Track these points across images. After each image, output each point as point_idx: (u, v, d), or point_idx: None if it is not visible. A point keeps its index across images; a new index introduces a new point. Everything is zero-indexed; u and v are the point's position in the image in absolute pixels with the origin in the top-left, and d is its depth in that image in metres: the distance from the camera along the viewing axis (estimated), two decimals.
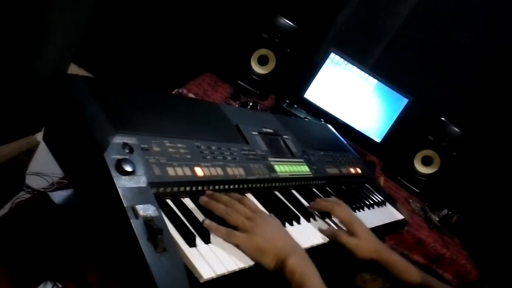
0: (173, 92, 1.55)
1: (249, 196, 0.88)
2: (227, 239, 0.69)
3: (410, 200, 1.87)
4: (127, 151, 0.66)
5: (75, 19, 1.46)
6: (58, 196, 1.52)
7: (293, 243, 0.76)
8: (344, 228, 0.94)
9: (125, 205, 0.59)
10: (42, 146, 1.31)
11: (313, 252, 0.87)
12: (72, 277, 1.21)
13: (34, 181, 1.56)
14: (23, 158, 1.35)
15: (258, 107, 1.70)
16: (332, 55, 1.96)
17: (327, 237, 0.89)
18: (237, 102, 1.69)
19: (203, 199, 0.75)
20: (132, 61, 2.08)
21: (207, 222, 0.69)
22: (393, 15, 2.04)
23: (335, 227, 0.95)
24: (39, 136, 1.21)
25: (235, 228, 0.71)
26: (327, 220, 0.97)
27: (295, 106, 1.93)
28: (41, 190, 1.54)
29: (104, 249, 0.71)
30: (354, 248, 0.89)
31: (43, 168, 1.58)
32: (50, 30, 1.37)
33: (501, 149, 2.00)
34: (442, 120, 1.89)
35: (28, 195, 1.50)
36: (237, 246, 0.69)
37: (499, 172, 1.98)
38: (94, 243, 1.18)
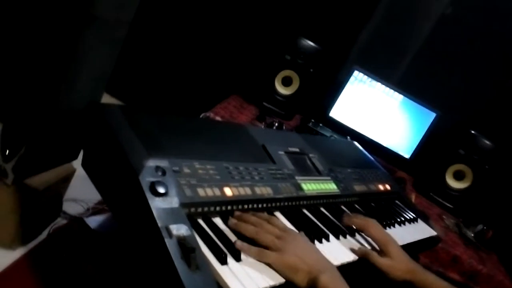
0: (201, 116, 1.59)
1: (278, 214, 0.89)
2: (259, 258, 0.70)
3: (444, 217, 1.82)
4: (160, 173, 0.69)
5: (107, 51, 1.55)
6: (94, 221, 1.57)
7: (324, 260, 0.76)
8: (376, 246, 0.94)
9: (159, 225, 0.62)
10: (78, 173, 1.36)
11: (346, 270, 0.87)
12: None
13: (70, 207, 1.62)
14: (61, 185, 1.41)
15: (284, 127, 1.72)
16: (356, 72, 1.97)
17: (358, 256, 0.89)
18: (263, 123, 1.72)
19: (232, 221, 0.76)
20: (160, 88, 2.16)
21: (239, 243, 0.71)
22: (417, 30, 2.05)
23: (367, 246, 0.95)
24: (76, 163, 1.27)
25: (266, 248, 0.72)
26: (358, 237, 0.96)
27: (321, 125, 1.94)
28: (78, 216, 1.60)
29: (140, 270, 0.73)
30: (387, 269, 0.89)
31: (79, 194, 1.64)
32: (83, 63, 1.45)
33: None
34: (472, 133, 1.85)
35: (65, 221, 1.55)
36: (269, 265, 0.70)
37: None
38: (130, 266, 1.21)
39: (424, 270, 0.94)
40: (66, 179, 1.42)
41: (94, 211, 1.65)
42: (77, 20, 1.33)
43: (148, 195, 0.64)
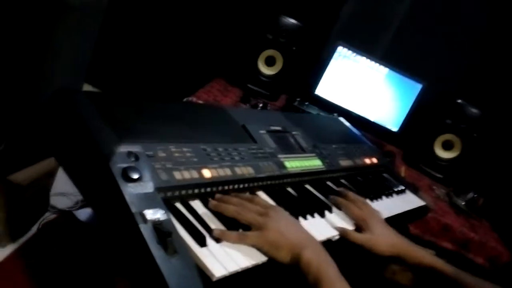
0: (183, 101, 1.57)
1: (261, 194, 0.88)
2: (240, 242, 0.69)
3: (434, 187, 1.83)
4: (132, 159, 0.67)
5: (83, 40, 1.51)
6: (83, 214, 1.56)
7: (307, 236, 0.75)
8: None
9: (132, 210, 0.60)
10: None
11: (337, 245, 0.87)
12: None
13: (59, 201, 1.61)
14: (46, 179, 1.39)
15: (269, 108, 1.70)
16: (340, 48, 1.94)
17: (339, 232, 0.88)
18: (247, 104, 1.70)
19: (212, 202, 0.75)
20: (141, 75, 2.13)
21: (217, 231, 0.68)
22: (397, 2, 2.02)
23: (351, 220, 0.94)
24: None
25: (248, 227, 0.71)
26: (343, 212, 0.96)
27: (307, 103, 1.93)
28: (67, 209, 1.58)
29: (123, 259, 0.72)
30: (367, 244, 0.88)
31: (67, 187, 1.63)
32: (59, 54, 1.42)
33: None
34: (459, 102, 1.85)
35: (54, 215, 1.54)
36: (252, 246, 0.69)
37: None
38: (120, 256, 1.21)
39: (411, 243, 0.93)
40: (51, 173, 1.41)
41: (83, 204, 1.64)
42: (50, 11, 1.30)
43: (120, 181, 0.63)
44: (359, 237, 0.88)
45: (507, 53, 1.96)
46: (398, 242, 0.92)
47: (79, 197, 1.67)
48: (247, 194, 0.82)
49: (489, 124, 1.87)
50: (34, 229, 1.37)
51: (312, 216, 0.88)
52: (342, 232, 0.89)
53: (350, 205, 0.95)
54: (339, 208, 0.96)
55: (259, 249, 0.69)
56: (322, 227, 0.86)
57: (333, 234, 0.86)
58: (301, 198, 0.94)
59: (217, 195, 0.78)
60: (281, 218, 0.75)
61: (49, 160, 1.38)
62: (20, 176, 1.22)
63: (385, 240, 0.90)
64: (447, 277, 0.88)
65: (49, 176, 1.40)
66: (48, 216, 1.50)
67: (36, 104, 1.31)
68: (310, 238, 0.75)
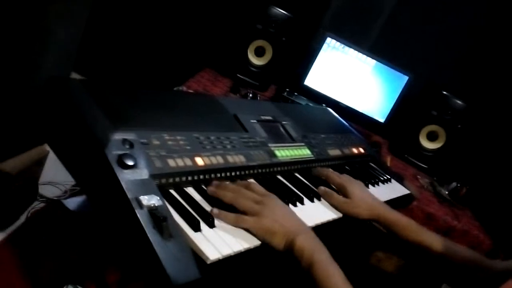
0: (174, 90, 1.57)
1: (252, 181, 0.90)
2: (236, 224, 0.71)
3: (419, 176, 1.87)
4: (127, 146, 0.69)
5: (71, 29, 1.50)
6: (72, 203, 1.56)
7: (301, 223, 0.78)
8: None
9: (129, 197, 0.62)
10: (52, 155, 1.34)
11: (324, 232, 0.89)
12: (92, 278, 1.25)
13: (47, 190, 1.60)
14: (35, 168, 1.39)
15: (258, 98, 1.72)
16: (329, 39, 1.96)
17: (320, 193, 0.94)
18: (237, 95, 1.71)
19: (210, 189, 0.77)
20: (130, 63, 2.12)
21: (215, 210, 0.71)
22: None
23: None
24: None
25: (244, 213, 0.74)
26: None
27: (296, 94, 1.95)
28: (55, 198, 1.58)
29: (117, 246, 0.73)
30: (347, 209, 0.93)
31: (55, 176, 1.62)
32: (48, 41, 1.41)
33: (506, 117, 1.99)
34: (444, 93, 1.89)
35: (42, 204, 1.53)
36: (247, 230, 0.71)
37: (505, 140, 1.98)
38: (111, 244, 1.21)
39: (390, 208, 0.99)
40: (39, 162, 1.40)
41: (72, 192, 1.64)
42: None
43: (116, 168, 0.64)
44: (339, 200, 0.94)
45: (492, 47, 2.00)
46: (375, 205, 0.98)
47: (68, 186, 1.67)
48: (243, 181, 0.83)
49: (473, 116, 1.92)
50: (22, 218, 1.37)
51: (302, 203, 0.90)
52: (325, 193, 0.94)
53: (331, 174, 1.02)
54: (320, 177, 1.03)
55: (254, 234, 0.71)
56: (312, 213, 0.89)
57: (323, 220, 0.89)
58: (291, 186, 0.96)
59: (214, 182, 0.80)
60: (276, 206, 0.77)
61: (38, 149, 1.37)
62: (9, 165, 1.22)
63: (364, 204, 0.96)
64: (420, 240, 0.95)
65: (38, 164, 1.40)
66: (37, 205, 1.50)
67: (24, 92, 1.29)
68: (303, 225, 0.78)
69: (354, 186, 0.99)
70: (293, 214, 0.80)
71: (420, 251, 0.96)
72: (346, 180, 1.00)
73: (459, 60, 2.05)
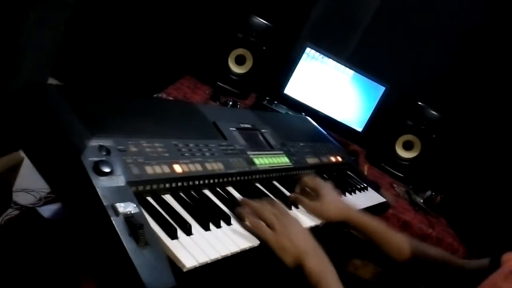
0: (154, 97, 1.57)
1: (230, 189, 0.91)
2: (255, 229, 0.77)
3: (395, 185, 1.91)
4: (104, 153, 0.68)
5: (49, 34, 1.48)
6: (47, 211, 1.53)
7: (313, 245, 0.82)
8: None
9: (104, 204, 0.61)
10: (27, 162, 1.32)
11: None
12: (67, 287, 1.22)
13: (22, 198, 1.56)
14: (9, 174, 1.36)
15: (238, 106, 1.72)
16: (308, 49, 1.99)
17: (291, 200, 0.97)
18: (217, 102, 1.71)
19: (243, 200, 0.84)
20: (110, 69, 2.10)
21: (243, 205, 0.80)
22: (365, 6, 2.09)
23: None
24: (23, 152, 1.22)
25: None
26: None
27: (276, 102, 1.96)
28: (30, 206, 1.54)
29: (93, 254, 0.72)
30: (318, 211, 0.97)
31: (30, 184, 1.59)
32: (26, 45, 1.39)
33: (479, 128, 2.06)
34: (419, 104, 1.93)
35: (16, 212, 1.50)
36: (263, 239, 0.76)
37: (478, 150, 2.04)
38: (86, 253, 1.19)
39: (360, 212, 1.04)
40: (14, 168, 1.37)
41: (47, 200, 1.60)
42: (16, 4, 1.26)
43: (92, 175, 0.63)
44: (310, 204, 0.97)
45: (466, 60, 2.07)
46: (345, 208, 1.02)
47: (43, 193, 1.64)
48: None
49: (447, 126, 1.97)
50: None
51: None
52: (296, 199, 0.98)
53: (304, 178, 1.05)
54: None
55: (270, 247, 0.76)
56: None
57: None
58: (268, 193, 0.97)
59: (244, 198, 0.86)
60: (293, 226, 0.82)
61: (12, 155, 1.34)
62: None
63: (333, 207, 0.99)
64: (389, 239, 0.99)
65: (12, 171, 1.37)
66: (11, 212, 1.46)
67: (2, 96, 1.27)
68: (315, 247, 0.81)
69: (325, 190, 1.02)
70: (306, 234, 0.84)
71: (390, 253, 0.98)
72: (318, 183, 1.03)
73: (434, 72, 2.11)
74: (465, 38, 2.06)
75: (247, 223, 0.79)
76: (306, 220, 0.94)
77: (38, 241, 1.33)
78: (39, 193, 1.62)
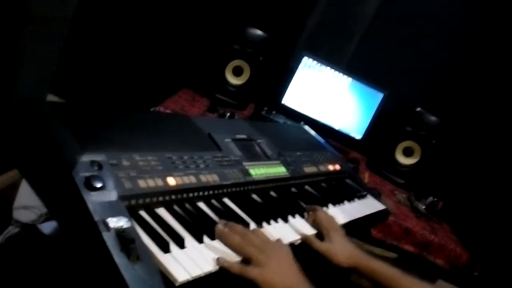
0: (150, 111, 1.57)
1: (226, 200, 0.90)
2: (241, 274, 0.72)
3: (396, 192, 1.89)
4: (96, 168, 0.68)
5: (48, 49, 1.49)
6: (48, 227, 1.52)
7: (299, 278, 0.78)
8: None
9: (95, 219, 0.61)
10: None
11: (303, 248, 0.90)
12: None
13: (22, 215, 1.56)
14: (9, 191, 1.36)
15: (236, 117, 1.73)
16: (305, 58, 2.00)
17: (302, 240, 0.92)
18: (215, 114, 1.72)
19: (219, 227, 0.77)
20: (108, 84, 2.11)
21: (221, 261, 0.71)
22: (361, 14, 2.10)
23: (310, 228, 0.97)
24: None
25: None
26: (305, 219, 0.99)
27: (274, 112, 1.96)
28: (30, 223, 1.54)
29: (86, 270, 0.72)
30: (327, 253, 0.92)
31: (30, 200, 1.59)
32: (23, 62, 1.40)
33: (479, 132, 2.05)
34: (418, 110, 1.93)
35: (17, 229, 1.50)
36: (252, 280, 0.72)
37: (479, 154, 2.03)
38: (81, 268, 1.19)
39: (369, 256, 0.97)
40: (13, 186, 1.38)
41: (48, 216, 1.60)
42: (15, 19, 1.28)
43: (83, 190, 0.63)
44: (320, 246, 0.92)
45: (465, 65, 2.07)
46: (355, 254, 0.96)
47: (43, 210, 1.64)
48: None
49: (447, 131, 1.96)
50: None
51: (276, 221, 0.91)
52: (305, 239, 0.92)
53: (320, 213, 0.99)
54: (302, 209, 1.01)
55: (257, 284, 0.72)
56: (285, 232, 0.89)
57: (295, 238, 0.89)
58: (265, 205, 0.96)
59: (221, 221, 0.79)
60: (279, 256, 0.79)
61: (12, 172, 1.35)
62: None
63: (343, 251, 0.94)
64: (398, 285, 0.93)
65: (12, 188, 1.37)
66: (11, 230, 1.46)
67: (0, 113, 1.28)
68: (302, 281, 0.78)
69: (336, 232, 0.97)
70: (293, 266, 0.80)
71: None
72: (332, 225, 0.98)
73: (433, 77, 2.11)
74: (462, 42, 2.06)
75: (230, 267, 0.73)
76: (293, 234, 0.91)
77: (39, 258, 1.33)
78: (40, 210, 1.62)
